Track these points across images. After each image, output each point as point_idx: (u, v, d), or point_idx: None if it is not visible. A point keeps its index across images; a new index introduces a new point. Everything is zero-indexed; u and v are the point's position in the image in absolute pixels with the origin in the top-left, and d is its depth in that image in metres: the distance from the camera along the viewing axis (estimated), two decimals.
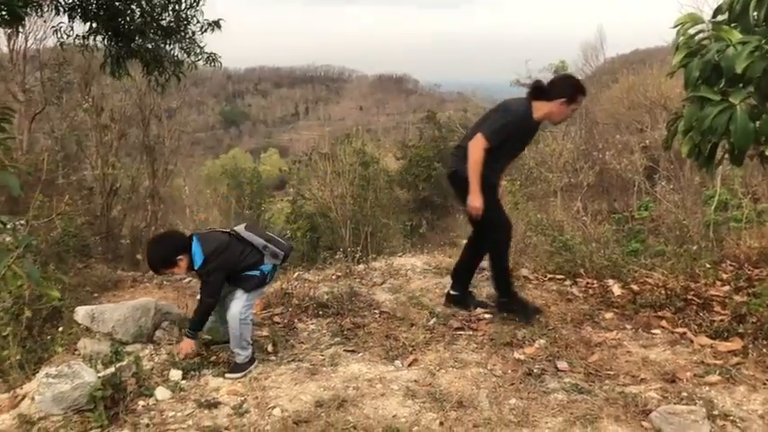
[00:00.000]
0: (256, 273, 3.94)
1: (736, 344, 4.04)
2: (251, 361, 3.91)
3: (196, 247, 3.80)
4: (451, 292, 4.94)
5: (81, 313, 4.30)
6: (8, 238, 5.73)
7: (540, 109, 4.39)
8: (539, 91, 4.42)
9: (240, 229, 4.02)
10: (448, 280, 5.53)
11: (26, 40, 18.01)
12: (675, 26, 3.26)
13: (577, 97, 4.43)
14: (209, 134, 78.38)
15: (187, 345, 3.96)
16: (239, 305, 3.85)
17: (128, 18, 8.80)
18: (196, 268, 3.81)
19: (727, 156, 3.61)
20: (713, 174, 6.16)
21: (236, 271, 3.90)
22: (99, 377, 3.48)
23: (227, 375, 3.80)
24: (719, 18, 3.42)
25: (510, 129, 4.34)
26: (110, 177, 18.29)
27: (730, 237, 6.76)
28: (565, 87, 4.43)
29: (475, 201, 4.28)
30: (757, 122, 3.09)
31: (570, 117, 4.53)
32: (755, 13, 3.19)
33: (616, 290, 5.15)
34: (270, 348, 4.19)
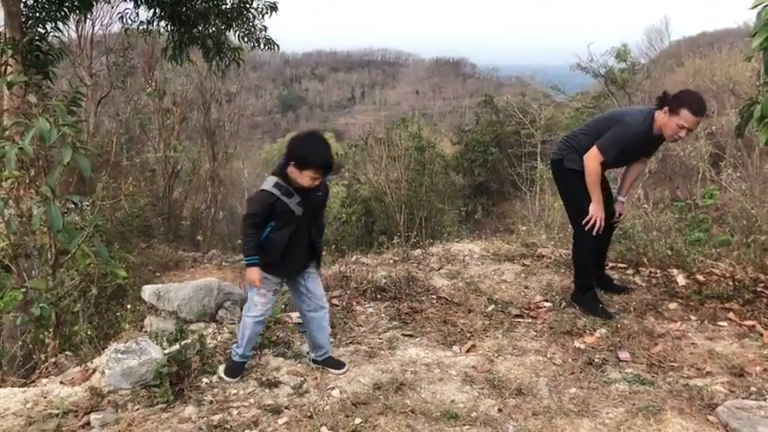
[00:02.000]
0: None
1: None
2: None
3: None
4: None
5: (147, 292, 4.44)
6: (77, 218, 5.98)
7: (656, 121, 4.25)
8: (659, 101, 4.27)
9: None
10: (506, 266, 5.49)
11: (93, 26, 18.59)
12: (754, 7, 3.12)
13: (679, 109, 4.08)
14: (267, 118, 79.40)
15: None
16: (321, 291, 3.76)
17: (190, 4, 8.97)
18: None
19: None
20: None
21: None
22: (165, 354, 3.59)
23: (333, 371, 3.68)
24: None
25: (622, 143, 4.26)
26: (171, 160, 18.78)
27: None
28: (671, 98, 4.19)
29: (597, 211, 4.36)
30: None
31: (680, 137, 4.17)
32: None
33: (680, 280, 5.01)
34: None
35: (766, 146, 3.41)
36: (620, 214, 4.73)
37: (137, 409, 3.28)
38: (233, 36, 9.63)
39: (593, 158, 4.26)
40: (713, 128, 21.65)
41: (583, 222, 4.35)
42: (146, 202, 15.60)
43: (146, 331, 4.34)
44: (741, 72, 21.41)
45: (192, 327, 4.21)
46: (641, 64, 29.45)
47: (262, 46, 9.86)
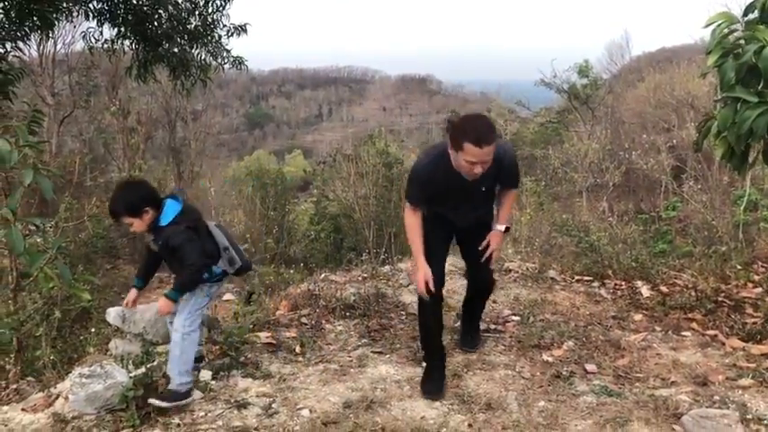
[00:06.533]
0: (205, 275, 3.57)
1: None
2: (186, 394, 3.43)
3: (172, 204, 3.47)
4: None
5: (112, 314, 4.35)
6: (39, 240, 5.86)
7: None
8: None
9: (210, 223, 3.71)
10: None
11: (55, 45, 18.36)
12: (708, 25, 3.22)
13: (461, 143, 3.27)
14: (233, 136, 78.95)
15: (166, 305, 3.52)
16: (182, 315, 3.51)
17: (155, 23, 8.91)
18: (163, 224, 3.41)
19: (761, 157, 3.57)
20: (746, 175, 6.06)
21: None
22: (131, 377, 3.53)
23: (152, 401, 3.34)
24: (751, 17, 3.37)
25: (419, 184, 3.63)
26: (137, 179, 18.55)
27: (761, 237, 6.66)
28: (452, 130, 3.39)
29: (420, 269, 3.62)
30: None
31: (476, 174, 3.33)
32: None
33: (645, 291, 5.10)
34: (298, 349, 4.22)
35: (722, 159, 3.51)
36: (488, 244, 3.77)
37: None
38: (199, 55, 9.58)
39: (405, 209, 3.69)
40: (674, 141, 22.19)
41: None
42: (110, 222, 15.36)
43: (111, 354, 4.25)
44: (699, 87, 22.01)
45: (159, 348, 4.13)
46: (603, 79, 30.10)
47: (229, 65, 9.83)
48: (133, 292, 3.81)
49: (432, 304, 3.72)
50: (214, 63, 9.63)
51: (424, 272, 3.54)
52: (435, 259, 3.67)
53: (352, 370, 3.94)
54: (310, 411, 3.41)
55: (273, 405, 3.49)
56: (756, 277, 5.22)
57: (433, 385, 3.66)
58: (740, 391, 3.51)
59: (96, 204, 12.47)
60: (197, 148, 21.83)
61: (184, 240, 3.41)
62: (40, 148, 4.10)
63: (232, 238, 3.77)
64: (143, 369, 3.61)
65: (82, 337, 5.05)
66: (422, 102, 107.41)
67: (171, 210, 3.46)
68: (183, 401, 3.41)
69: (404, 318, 4.82)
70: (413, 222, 3.64)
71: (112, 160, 19.70)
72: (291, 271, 6.42)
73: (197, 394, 3.56)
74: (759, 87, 3.10)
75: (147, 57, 9.27)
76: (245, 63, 9.81)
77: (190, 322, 3.52)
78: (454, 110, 31.76)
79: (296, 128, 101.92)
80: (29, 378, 4.39)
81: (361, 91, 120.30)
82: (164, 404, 3.34)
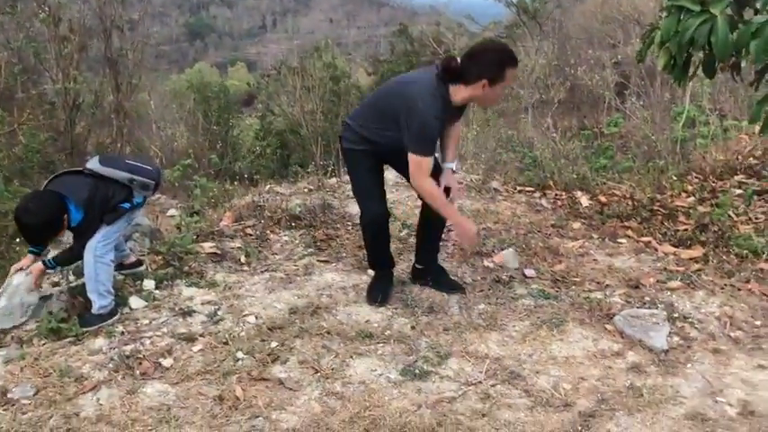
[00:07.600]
0: (126, 205, 3.42)
1: (697, 251, 4.19)
2: (111, 313, 3.37)
3: (69, 203, 3.24)
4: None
5: None
6: None
7: (459, 93, 3.31)
8: (452, 73, 3.29)
9: (95, 165, 3.37)
10: None
11: None
12: None
13: (504, 74, 3.23)
14: (173, 47, 75.80)
15: (38, 269, 3.39)
16: (96, 238, 3.32)
17: None
18: (75, 225, 3.27)
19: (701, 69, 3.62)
20: (686, 86, 6.18)
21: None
22: (71, 287, 3.49)
23: (81, 328, 3.28)
24: None
25: (434, 133, 3.32)
26: (72, 92, 17.70)
27: (696, 151, 6.85)
28: (481, 67, 3.22)
29: (464, 223, 3.56)
30: (734, 33, 3.10)
31: (496, 102, 3.36)
32: None
33: (584, 201, 5.25)
34: (243, 259, 4.21)
35: (664, 70, 3.55)
36: (449, 188, 3.60)
37: (43, 344, 3.19)
38: None
39: (421, 172, 3.29)
40: (619, 57, 22.34)
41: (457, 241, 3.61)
42: (46, 136, 14.73)
43: None
44: (646, 2, 22.00)
45: None
46: None
47: None
48: (38, 265, 3.43)
49: (381, 223, 3.60)
50: None
51: (467, 226, 3.43)
52: (374, 183, 3.58)
53: (297, 278, 3.97)
54: (256, 318, 3.45)
55: (219, 312, 3.51)
56: (690, 187, 5.41)
57: (380, 293, 3.67)
58: (669, 293, 3.70)
59: (29, 117, 11.95)
60: (135, 60, 20.80)
61: (87, 232, 3.32)
62: None
63: (126, 162, 3.50)
64: (83, 280, 3.56)
65: (18, 249, 4.93)
66: (370, 14, 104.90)
67: (74, 210, 3.25)
68: (110, 321, 3.36)
69: (350, 228, 4.85)
70: (435, 187, 3.35)
71: (45, 71, 18.69)
72: (236, 183, 6.33)
73: (140, 303, 3.55)
74: None
75: None
76: None
77: (103, 245, 3.33)
78: (402, 23, 31.01)
79: (239, 39, 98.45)
80: None
81: (306, 1, 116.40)
82: (90, 328, 3.29)
